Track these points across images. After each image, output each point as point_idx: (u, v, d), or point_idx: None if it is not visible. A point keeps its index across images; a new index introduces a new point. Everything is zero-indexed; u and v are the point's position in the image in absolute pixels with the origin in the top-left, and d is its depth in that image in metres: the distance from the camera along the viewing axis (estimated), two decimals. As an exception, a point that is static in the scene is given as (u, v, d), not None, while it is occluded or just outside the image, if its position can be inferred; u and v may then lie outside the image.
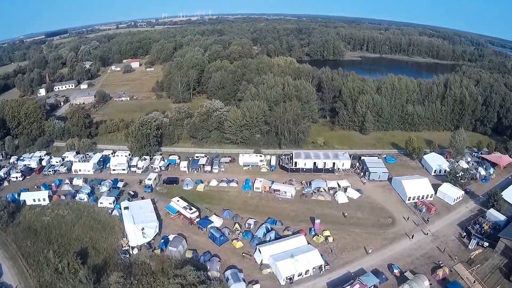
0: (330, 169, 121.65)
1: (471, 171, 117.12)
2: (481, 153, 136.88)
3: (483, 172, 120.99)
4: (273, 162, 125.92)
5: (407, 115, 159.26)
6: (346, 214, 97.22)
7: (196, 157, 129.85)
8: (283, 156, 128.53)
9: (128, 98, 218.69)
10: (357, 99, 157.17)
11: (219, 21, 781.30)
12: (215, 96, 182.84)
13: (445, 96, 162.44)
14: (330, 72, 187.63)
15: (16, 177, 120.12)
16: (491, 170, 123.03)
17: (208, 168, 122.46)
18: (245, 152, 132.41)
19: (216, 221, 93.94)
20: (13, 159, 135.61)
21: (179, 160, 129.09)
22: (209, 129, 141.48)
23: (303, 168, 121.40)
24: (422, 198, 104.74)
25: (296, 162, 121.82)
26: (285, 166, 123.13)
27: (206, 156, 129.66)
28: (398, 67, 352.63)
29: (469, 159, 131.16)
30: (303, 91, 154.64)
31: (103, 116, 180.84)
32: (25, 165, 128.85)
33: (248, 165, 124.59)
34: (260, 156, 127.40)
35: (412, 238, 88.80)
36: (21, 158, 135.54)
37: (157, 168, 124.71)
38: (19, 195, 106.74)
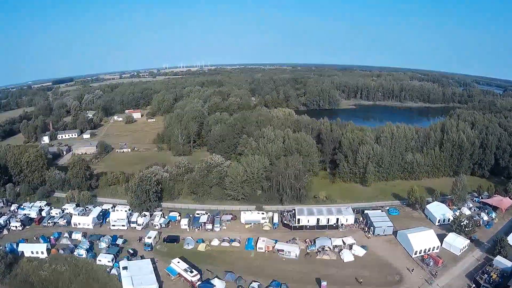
0: (334, 225, 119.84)
1: (474, 218, 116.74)
2: (481, 198, 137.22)
3: (485, 218, 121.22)
4: (276, 220, 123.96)
5: (406, 164, 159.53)
6: (361, 281, 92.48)
7: (197, 214, 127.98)
8: (286, 213, 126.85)
9: (129, 150, 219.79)
10: (357, 150, 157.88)
11: (217, 71, 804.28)
12: (215, 150, 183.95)
13: (443, 141, 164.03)
14: (329, 123, 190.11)
15: (16, 226, 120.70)
16: (493, 214, 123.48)
17: (209, 226, 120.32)
18: (247, 208, 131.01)
19: (219, 285, 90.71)
20: (13, 207, 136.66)
21: (179, 217, 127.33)
22: (210, 184, 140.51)
23: (307, 225, 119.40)
24: (429, 250, 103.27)
25: (299, 219, 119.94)
26: (288, 223, 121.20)
27: (207, 213, 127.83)
28: (391, 113, 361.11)
29: (471, 205, 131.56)
30: (303, 144, 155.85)
31: (104, 168, 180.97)
32: (25, 215, 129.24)
33: (250, 223, 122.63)
34: (262, 213, 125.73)
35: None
36: (22, 206, 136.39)
37: (157, 225, 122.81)
38: (17, 245, 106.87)
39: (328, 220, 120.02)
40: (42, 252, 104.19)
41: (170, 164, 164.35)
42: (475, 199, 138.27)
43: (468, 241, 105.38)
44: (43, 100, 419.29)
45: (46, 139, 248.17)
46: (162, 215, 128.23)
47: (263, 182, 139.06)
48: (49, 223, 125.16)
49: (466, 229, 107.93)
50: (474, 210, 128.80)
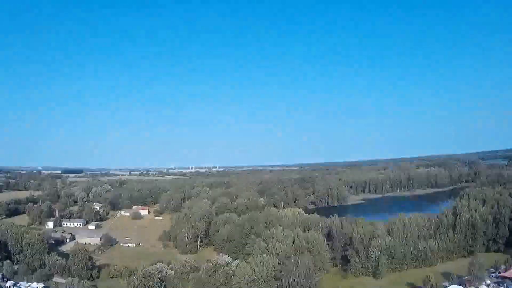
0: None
1: None
2: (499, 272, 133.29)
3: None
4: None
5: (420, 252, 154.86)
6: None
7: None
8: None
9: (134, 245, 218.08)
10: (369, 244, 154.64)
11: (226, 173, 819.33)
12: (223, 249, 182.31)
13: (455, 224, 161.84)
14: (339, 220, 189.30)
15: None
16: None
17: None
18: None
19: None
20: (9, 283, 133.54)
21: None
22: (216, 284, 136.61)
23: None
24: None
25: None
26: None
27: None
28: (400, 203, 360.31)
29: (488, 281, 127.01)
30: (313, 242, 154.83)
31: (107, 260, 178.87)
32: None
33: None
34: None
35: None
36: (18, 285, 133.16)
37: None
38: None
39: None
40: None
41: (176, 262, 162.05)
42: (492, 275, 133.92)
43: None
44: (51, 187, 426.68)
45: (50, 224, 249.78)
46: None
47: (272, 282, 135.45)
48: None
49: None
50: (493, 286, 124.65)
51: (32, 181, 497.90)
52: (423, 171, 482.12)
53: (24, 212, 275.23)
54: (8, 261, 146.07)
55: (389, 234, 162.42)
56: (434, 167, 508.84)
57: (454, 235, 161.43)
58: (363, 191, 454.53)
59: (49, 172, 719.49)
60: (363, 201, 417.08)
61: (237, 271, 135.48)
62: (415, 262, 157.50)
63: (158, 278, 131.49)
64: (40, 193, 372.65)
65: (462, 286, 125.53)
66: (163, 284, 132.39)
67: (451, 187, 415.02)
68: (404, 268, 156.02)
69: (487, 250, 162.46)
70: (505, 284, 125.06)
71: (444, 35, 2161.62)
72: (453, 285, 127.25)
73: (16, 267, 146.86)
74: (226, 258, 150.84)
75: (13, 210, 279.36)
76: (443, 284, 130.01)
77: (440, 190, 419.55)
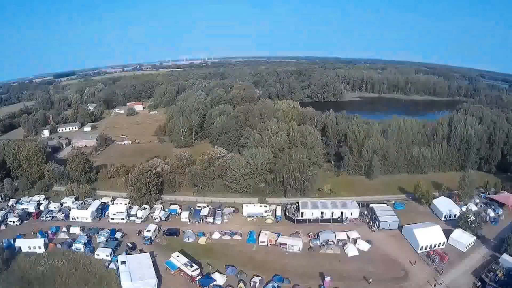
0: (338, 218, 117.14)
1: (481, 214, 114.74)
2: (488, 194, 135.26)
3: (492, 214, 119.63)
4: (279, 213, 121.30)
5: (413, 158, 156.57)
6: (370, 281, 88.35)
7: (198, 207, 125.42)
8: (289, 206, 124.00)
9: (130, 142, 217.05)
10: (363, 143, 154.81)
11: (221, 64, 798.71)
12: (218, 142, 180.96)
13: (450, 136, 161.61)
14: (334, 115, 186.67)
15: (13, 221, 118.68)
16: (500, 211, 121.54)
17: (210, 219, 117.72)
18: (249, 201, 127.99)
19: (219, 279, 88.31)
20: (11, 201, 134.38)
21: (180, 210, 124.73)
22: (212, 177, 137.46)
23: (310, 219, 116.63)
24: (435, 247, 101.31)
25: (302, 213, 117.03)
26: (291, 216, 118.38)
27: (208, 206, 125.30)
28: (396, 106, 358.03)
29: (477, 201, 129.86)
30: (308, 137, 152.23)
31: (104, 160, 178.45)
32: (23, 209, 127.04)
33: (253, 216, 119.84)
34: (265, 206, 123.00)
35: (435, 286, 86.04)
36: (20, 201, 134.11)
37: (157, 218, 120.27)
38: (14, 241, 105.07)
39: (332, 214, 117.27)
40: (39, 247, 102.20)
41: (172, 157, 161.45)
42: (481, 195, 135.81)
43: (475, 237, 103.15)
44: (44, 94, 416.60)
45: (46, 133, 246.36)
46: (162, 208, 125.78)
47: (266, 174, 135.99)
48: (47, 217, 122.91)
49: (473, 225, 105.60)
50: (481, 206, 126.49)
51: (24, 91, 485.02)
52: (422, 77, 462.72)
53: (19, 125, 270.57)
54: (7, 179, 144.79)
55: (383, 135, 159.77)
56: (433, 75, 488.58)
57: (448, 147, 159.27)
58: (360, 89, 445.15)
59: (41, 79, 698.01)
60: (359, 99, 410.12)
61: (232, 164, 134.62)
62: (407, 167, 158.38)
63: (154, 174, 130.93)
64: (33, 102, 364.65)
65: (452, 199, 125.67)
66: (159, 180, 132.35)
67: (448, 98, 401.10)
68: (397, 172, 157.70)
69: (479, 168, 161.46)
70: (492, 207, 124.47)
71: None
72: (442, 196, 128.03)
73: (16, 183, 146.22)
74: (221, 151, 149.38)
75: (8, 126, 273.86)
76: (433, 194, 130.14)
77: (437, 99, 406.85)
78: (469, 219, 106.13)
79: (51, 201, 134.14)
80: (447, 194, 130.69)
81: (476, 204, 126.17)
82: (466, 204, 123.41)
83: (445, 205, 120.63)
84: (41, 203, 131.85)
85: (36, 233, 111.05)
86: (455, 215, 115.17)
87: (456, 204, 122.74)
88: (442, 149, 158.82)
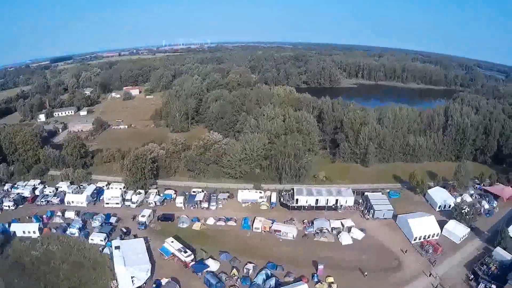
0: (333, 206, 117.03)
1: (475, 206, 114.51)
2: (483, 185, 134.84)
3: (486, 206, 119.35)
4: (274, 199, 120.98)
5: (408, 146, 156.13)
6: (366, 274, 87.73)
7: (193, 192, 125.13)
8: (284, 193, 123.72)
9: (126, 126, 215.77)
10: (359, 130, 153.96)
11: (217, 49, 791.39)
12: (214, 127, 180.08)
13: (446, 125, 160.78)
14: (330, 102, 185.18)
15: (8, 206, 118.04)
16: (495, 203, 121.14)
17: (205, 204, 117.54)
18: (244, 187, 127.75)
19: (213, 265, 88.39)
20: (7, 186, 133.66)
21: (175, 195, 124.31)
22: (207, 162, 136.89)
23: (305, 206, 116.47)
24: (429, 237, 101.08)
25: (297, 199, 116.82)
26: (286, 203, 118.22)
27: (203, 192, 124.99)
28: (393, 93, 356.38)
29: (472, 192, 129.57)
30: (304, 123, 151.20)
31: (100, 145, 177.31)
32: (18, 194, 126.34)
33: (247, 202, 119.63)
34: (260, 192, 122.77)
35: (430, 276, 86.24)
36: (15, 186, 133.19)
37: (152, 203, 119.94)
38: (9, 225, 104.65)
39: (327, 201, 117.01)
40: (34, 232, 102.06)
41: (168, 141, 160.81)
42: (476, 186, 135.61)
43: (469, 229, 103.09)
44: (40, 78, 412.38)
45: (42, 117, 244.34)
46: (157, 193, 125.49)
47: (261, 160, 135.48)
48: (42, 201, 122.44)
49: (467, 217, 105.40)
50: (475, 197, 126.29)
51: (21, 76, 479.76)
52: (419, 65, 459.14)
53: (15, 110, 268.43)
54: (3, 164, 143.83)
55: (379, 123, 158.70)
56: (430, 64, 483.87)
57: (443, 136, 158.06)
58: (356, 76, 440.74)
59: (38, 64, 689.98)
60: (355, 86, 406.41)
61: (228, 149, 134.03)
62: (403, 155, 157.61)
63: (150, 158, 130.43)
64: (29, 87, 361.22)
65: (447, 190, 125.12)
66: (155, 165, 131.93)
67: (445, 87, 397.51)
68: (392, 160, 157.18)
69: (474, 159, 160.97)
70: (487, 199, 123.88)
71: None
72: (438, 186, 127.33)
73: (11, 168, 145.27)
74: (217, 136, 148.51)
75: (4, 110, 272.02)
76: (428, 184, 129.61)
77: (434, 87, 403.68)
78: (463, 211, 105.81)
79: (46, 186, 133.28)
80: (442, 184, 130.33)
81: (471, 195, 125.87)
82: (461, 195, 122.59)
83: (440, 195, 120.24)
84: (37, 188, 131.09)
85: (31, 218, 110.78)
86: (449, 205, 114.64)
87: (451, 194, 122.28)
88: (438, 138, 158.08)
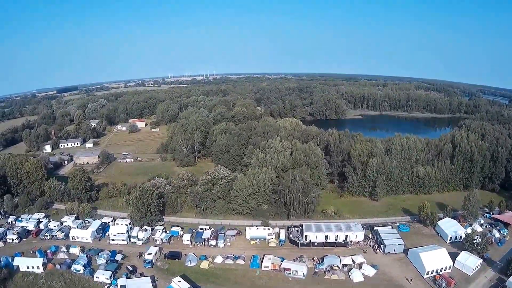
0: (343, 242, 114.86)
1: (486, 235, 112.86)
2: (493, 214, 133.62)
3: (497, 235, 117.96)
4: (282, 236, 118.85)
5: (417, 177, 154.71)
6: None
7: (200, 229, 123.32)
8: (293, 229, 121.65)
9: (132, 160, 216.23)
10: (366, 162, 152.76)
11: (222, 80, 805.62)
12: (221, 161, 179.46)
13: (454, 154, 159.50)
14: (338, 134, 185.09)
15: (12, 239, 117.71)
16: (506, 231, 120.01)
17: (213, 242, 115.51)
18: (252, 224, 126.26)
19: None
20: (11, 218, 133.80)
21: (182, 232, 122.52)
22: (214, 198, 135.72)
23: (314, 242, 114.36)
24: (441, 270, 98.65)
25: (306, 236, 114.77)
26: (295, 240, 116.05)
27: (210, 228, 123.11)
28: (398, 123, 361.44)
29: (482, 221, 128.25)
30: (311, 156, 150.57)
31: (106, 178, 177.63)
32: (22, 227, 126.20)
33: (256, 239, 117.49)
34: (268, 229, 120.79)
35: None
36: (19, 218, 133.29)
37: (158, 240, 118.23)
38: (13, 259, 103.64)
39: (337, 237, 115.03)
40: (38, 267, 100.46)
41: (174, 175, 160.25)
42: (486, 215, 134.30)
43: (481, 260, 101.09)
44: (46, 109, 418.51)
45: (48, 148, 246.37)
46: (163, 230, 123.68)
47: (269, 196, 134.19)
48: (47, 236, 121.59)
49: (479, 247, 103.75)
50: (486, 226, 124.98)
51: (27, 106, 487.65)
52: (423, 93, 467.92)
53: (21, 140, 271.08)
54: (8, 195, 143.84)
55: (387, 154, 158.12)
56: (433, 91, 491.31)
57: (451, 165, 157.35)
58: (361, 107, 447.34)
59: (44, 94, 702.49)
60: (361, 117, 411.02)
61: (235, 184, 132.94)
62: (411, 187, 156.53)
63: (156, 194, 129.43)
64: (35, 117, 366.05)
65: (456, 220, 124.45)
66: (161, 200, 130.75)
67: (449, 115, 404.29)
68: (400, 192, 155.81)
69: (483, 187, 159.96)
70: (497, 227, 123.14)
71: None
72: (447, 217, 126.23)
73: (16, 199, 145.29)
74: (224, 170, 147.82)
75: (10, 140, 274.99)
76: (438, 215, 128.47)
77: (438, 116, 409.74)
78: (474, 241, 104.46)
79: (51, 220, 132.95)
80: (452, 215, 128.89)
81: (481, 225, 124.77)
82: (471, 225, 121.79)
83: (450, 227, 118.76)
84: (41, 221, 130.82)
85: (35, 252, 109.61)
86: (460, 237, 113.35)
87: (461, 225, 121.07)
88: (445, 168, 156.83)
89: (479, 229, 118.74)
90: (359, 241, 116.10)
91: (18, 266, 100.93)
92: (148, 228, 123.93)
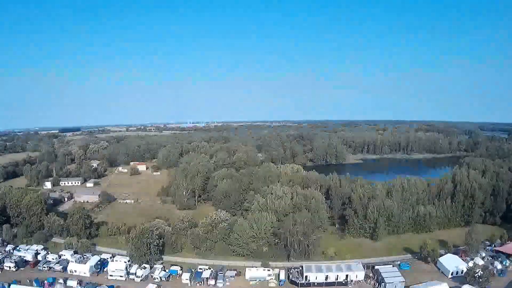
0: (344, 281, 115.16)
1: (488, 267, 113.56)
2: (494, 246, 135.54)
3: (499, 266, 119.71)
4: (282, 276, 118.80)
5: (418, 217, 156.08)
6: None
7: (200, 269, 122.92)
8: (293, 270, 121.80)
9: (132, 201, 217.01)
10: (367, 205, 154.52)
11: (224, 127, 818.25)
12: (221, 205, 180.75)
13: (455, 192, 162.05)
14: (338, 178, 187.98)
15: (9, 267, 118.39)
16: (507, 262, 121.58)
17: (212, 282, 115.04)
18: (252, 265, 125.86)
19: None
20: (9, 247, 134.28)
21: (181, 271, 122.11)
22: (214, 240, 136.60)
23: (315, 282, 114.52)
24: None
25: (306, 276, 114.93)
26: (295, 280, 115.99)
27: (210, 269, 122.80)
28: (399, 165, 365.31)
29: (483, 254, 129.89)
30: (312, 200, 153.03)
31: (105, 217, 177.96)
32: (20, 256, 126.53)
33: (256, 280, 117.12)
34: (268, 270, 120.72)
35: None
36: (18, 248, 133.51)
37: (157, 278, 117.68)
38: (9, 286, 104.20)
39: (337, 277, 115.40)
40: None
41: (174, 218, 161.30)
42: (487, 248, 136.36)
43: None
44: (48, 146, 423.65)
45: (48, 185, 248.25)
46: (162, 268, 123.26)
47: (269, 238, 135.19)
48: (44, 267, 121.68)
49: (481, 279, 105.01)
50: (487, 259, 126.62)
51: (29, 142, 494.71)
52: (422, 135, 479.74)
53: (22, 174, 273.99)
54: (7, 224, 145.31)
55: (387, 196, 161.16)
56: (433, 132, 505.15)
57: (452, 203, 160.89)
58: (362, 151, 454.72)
59: (46, 132, 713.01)
60: (361, 161, 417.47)
61: (235, 228, 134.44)
62: (412, 226, 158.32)
63: (156, 235, 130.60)
64: (37, 153, 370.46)
65: (458, 256, 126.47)
66: (161, 241, 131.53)
67: (450, 154, 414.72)
68: (401, 232, 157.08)
69: (484, 222, 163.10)
70: (499, 259, 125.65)
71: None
72: (449, 254, 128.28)
73: (15, 230, 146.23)
74: (224, 214, 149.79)
75: (11, 173, 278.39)
76: (440, 252, 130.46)
77: (438, 156, 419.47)
78: (476, 274, 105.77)
79: (49, 252, 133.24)
80: (453, 251, 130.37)
81: (483, 258, 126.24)
82: (472, 259, 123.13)
83: (451, 262, 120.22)
84: (39, 253, 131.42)
85: (32, 281, 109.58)
86: (462, 271, 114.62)
87: (463, 260, 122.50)
88: (446, 206, 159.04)
89: (480, 262, 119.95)
90: (359, 280, 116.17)
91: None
92: (147, 266, 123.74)
